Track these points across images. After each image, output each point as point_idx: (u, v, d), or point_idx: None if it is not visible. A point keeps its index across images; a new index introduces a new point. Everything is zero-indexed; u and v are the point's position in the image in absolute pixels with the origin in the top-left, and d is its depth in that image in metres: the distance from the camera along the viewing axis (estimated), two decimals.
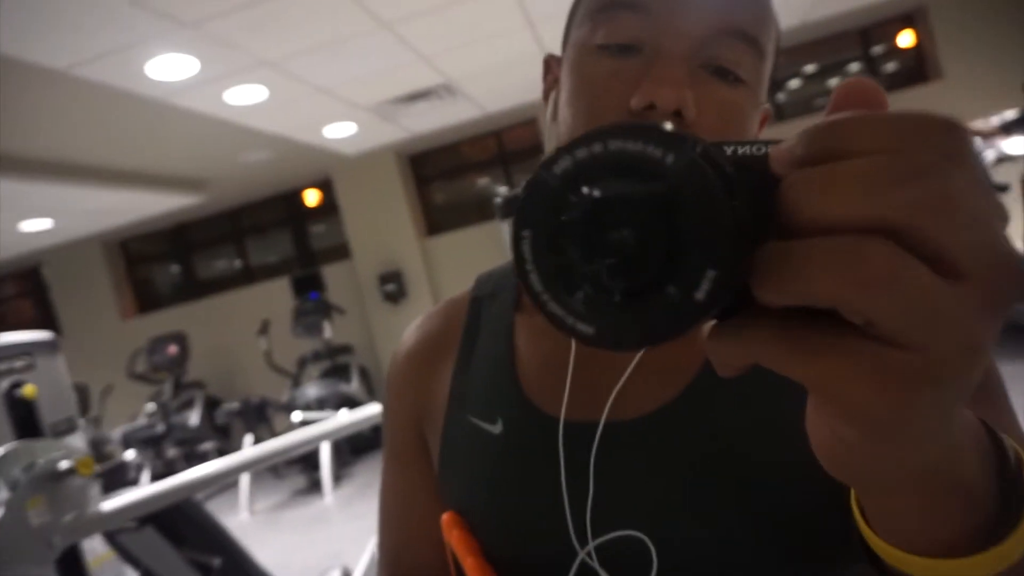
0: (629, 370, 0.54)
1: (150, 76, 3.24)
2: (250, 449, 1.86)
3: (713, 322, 0.24)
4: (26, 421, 2.27)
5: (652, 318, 0.21)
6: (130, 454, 2.57)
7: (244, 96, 3.83)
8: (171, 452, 5.89)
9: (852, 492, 0.30)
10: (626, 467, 0.51)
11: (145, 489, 1.75)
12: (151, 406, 5.92)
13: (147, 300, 7.38)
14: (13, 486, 1.47)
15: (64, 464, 1.53)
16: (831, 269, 0.20)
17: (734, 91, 0.49)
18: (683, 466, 0.49)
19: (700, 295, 0.21)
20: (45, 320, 7.05)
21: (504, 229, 5.18)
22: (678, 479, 0.49)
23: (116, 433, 5.49)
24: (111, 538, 1.98)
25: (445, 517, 0.58)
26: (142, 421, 5.76)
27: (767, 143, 0.23)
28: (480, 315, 0.66)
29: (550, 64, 0.61)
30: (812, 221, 0.21)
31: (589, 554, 0.50)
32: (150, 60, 3.08)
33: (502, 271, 0.69)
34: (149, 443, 5.62)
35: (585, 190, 0.21)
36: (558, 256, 0.22)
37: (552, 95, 0.58)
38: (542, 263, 0.22)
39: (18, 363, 2.37)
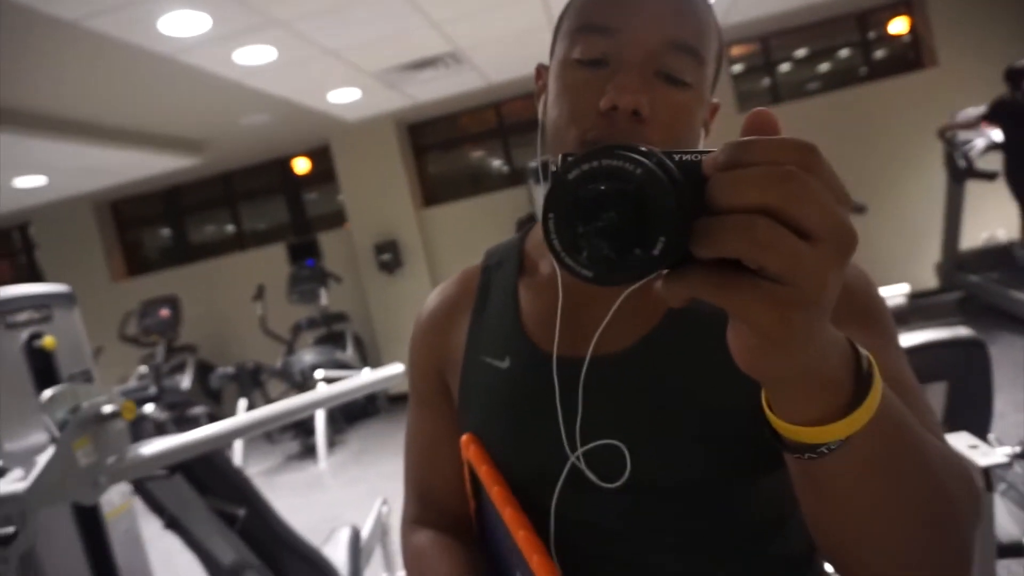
0: (608, 316, 0.68)
1: (162, 31, 3.20)
2: (285, 401, 1.89)
3: (666, 271, 0.36)
4: (45, 372, 2.29)
5: (627, 266, 0.34)
6: (149, 408, 2.59)
7: (253, 56, 3.79)
8: (161, 415, 5.88)
9: (763, 392, 0.42)
10: (607, 391, 0.66)
11: (179, 438, 1.78)
12: (143, 369, 5.90)
13: (138, 263, 7.30)
14: (61, 426, 1.50)
15: (108, 408, 1.56)
16: (737, 234, 0.32)
17: (681, 93, 0.62)
18: (649, 390, 0.65)
19: (656, 252, 0.34)
20: (31, 280, 6.95)
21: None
22: (646, 400, 0.65)
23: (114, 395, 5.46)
24: (139, 485, 2.01)
25: (464, 438, 0.73)
26: (133, 383, 5.74)
27: (703, 153, 0.35)
28: (490, 280, 0.81)
29: (540, 72, 0.75)
30: (726, 205, 0.33)
31: (578, 458, 0.65)
32: (163, 15, 3.04)
33: (506, 245, 0.84)
34: (140, 405, 5.59)
35: (588, 188, 0.34)
36: (571, 228, 0.35)
37: (543, 97, 0.73)
38: (561, 233, 0.35)
39: (36, 314, 2.38)
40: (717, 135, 0.36)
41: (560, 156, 0.37)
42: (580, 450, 0.65)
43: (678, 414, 0.63)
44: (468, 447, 0.72)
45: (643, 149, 0.35)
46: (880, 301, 0.65)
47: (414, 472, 0.83)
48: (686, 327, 0.66)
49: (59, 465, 1.43)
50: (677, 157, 0.35)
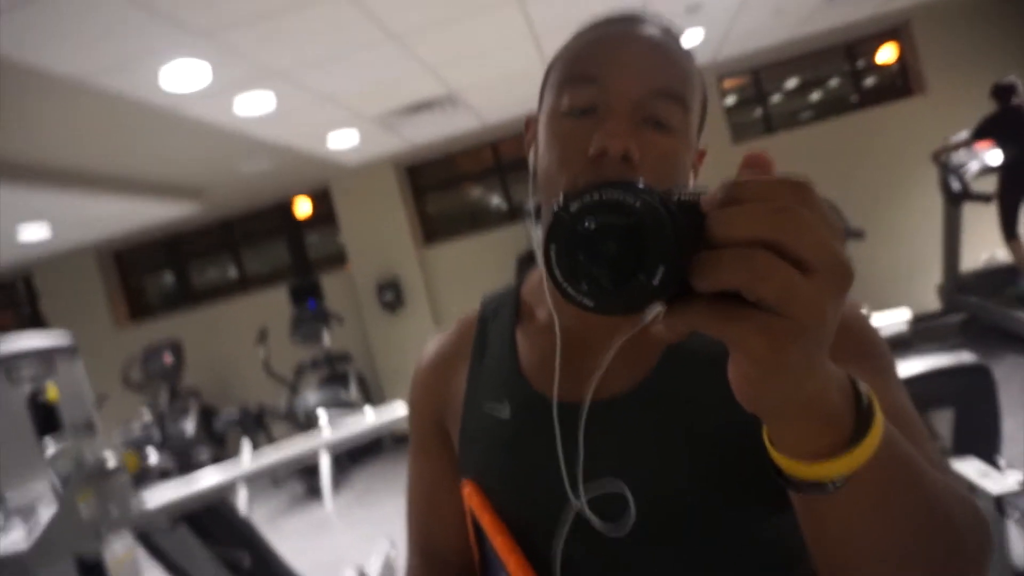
0: (608, 359, 0.69)
1: (163, 87, 3.27)
2: (292, 445, 1.89)
3: (666, 305, 0.37)
4: (48, 422, 2.29)
5: (627, 296, 0.35)
6: (153, 458, 2.57)
7: (252, 104, 3.86)
8: (166, 460, 5.84)
9: (764, 428, 0.43)
10: (608, 436, 0.66)
11: (183, 488, 1.78)
12: (146, 414, 5.88)
13: (141, 308, 7.33)
14: (65, 481, 1.49)
15: (112, 461, 1.56)
16: (736, 266, 0.33)
17: (667, 138, 0.64)
18: (651, 432, 0.65)
19: (656, 281, 0.35)
20: (35, 328, 6.96)
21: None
22: (648, 443, 0.65)
23: (112, 441, 5.44)
24: (143, 536, 1.99)
25: (466, 485, 0.73)
26: (137, 429, 5.71)
27: (701, 192, 0.37)
28: (487, 328, 0.82)
29: (529, 124, 0.77)
30: (725, 238, 0.34)
31: (582, 507, 0.65)
32: (163, 67, 3.10)
33: (501, 293, 0.85)
34: (143, 451, 5.56)
35: (588, 221, 0.36)
36: (572, 260, 0.36)
37: (532, 147, 0.74)
38: (562, 264, 0.36)
39: (39, 366, 2.39)
40: (713, 167, 0.38)
41: (562, 194, 0.37)
42: (584, 497, 0.65)
43: (681, 455, 0.63)
44: (470, 496, 0.72)
45: (641, 185, 0.36)
46: (876, 335, 0.66)
47: (415, 522, 0.83)
48: (684, 368, 0.67)
49: (62, 520, 1.43)
50: (676, 196, 0.37)
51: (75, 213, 5.11)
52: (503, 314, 0.81)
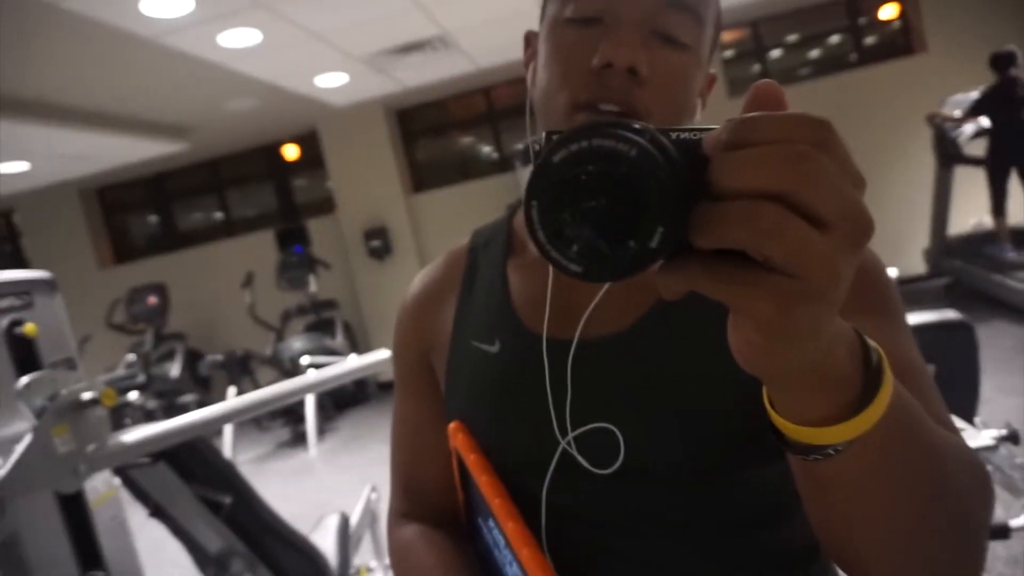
0: (597, 298, 0.66)
1: (144, 12, 3.14)
2: (273, 387, 1.87)
3: (662, 262, 0.33)
4: (27, 359, 2.25)
5: (620, 260, 0.31)
6: (134, 395, 2.56)
7: (238, 39, 3.74)
8: (151, 403, 5.85)
9: (764, 388, 0.39)
10: (598, 375, 0.63)
11: (161, 425, 1.76)
12: (131, 357, 5.86)
13: (125, 250, 7.24)
14: (39, 413, 1.47)
15: (88, 394, 1.53)
16: (740, 222, 0.29)
17: (680, 54, 0.59)
18: (642, 374, 0.62)
19: (653, 244, 0.30)
20: (16, 267, 6.87)
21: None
22: (639, 384, 0.62)
23: (96, 382, 5.43)
24: (122, 473, 1.99)
25: (451, 425, 0.70)
26: (122, 371, 5.70)
27: (702, 130, 0.32)
28: (477, 260, 0.78)
29: (529, 39, 0.71)
30: (730, 188, 0.29)
31: (569, 443, 0.62)
32: None
33: (493, 225, 0.81)
34: (127, 393, 5.55)
35: (576, 172, 0.31)
36: (557, 218, 0.31)
37: (531, 65, 0.69)
38: (546, 223, 0.31)
39: (17, 301, 2.34)
40: (708, 119, 0.33)
41: (544, 134, 0.32)
42: (571, 435, 0.62)
43: (672, 400, 0.61)
44: (455, 435, 0.69)
45: (636, 126, 0.31)
46: (888, 280, 0.61)
47: (400, 462, 0.80)
48: (682, 310, 0.62)
49: (37, 452, 1.41)
50: (674, 135, 0.32)
51: (54, 147, 4.99)
52: (494, 247, 0.77)
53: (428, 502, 0.78)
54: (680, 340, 0.62)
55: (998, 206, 4.89)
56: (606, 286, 0.66)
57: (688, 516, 0.61)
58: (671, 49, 0.59)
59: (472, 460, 0.66)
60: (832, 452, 0.38)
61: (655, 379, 0.62)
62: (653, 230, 0.30)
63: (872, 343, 0.38)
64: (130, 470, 1.95)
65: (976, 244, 5.26)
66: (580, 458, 0.62)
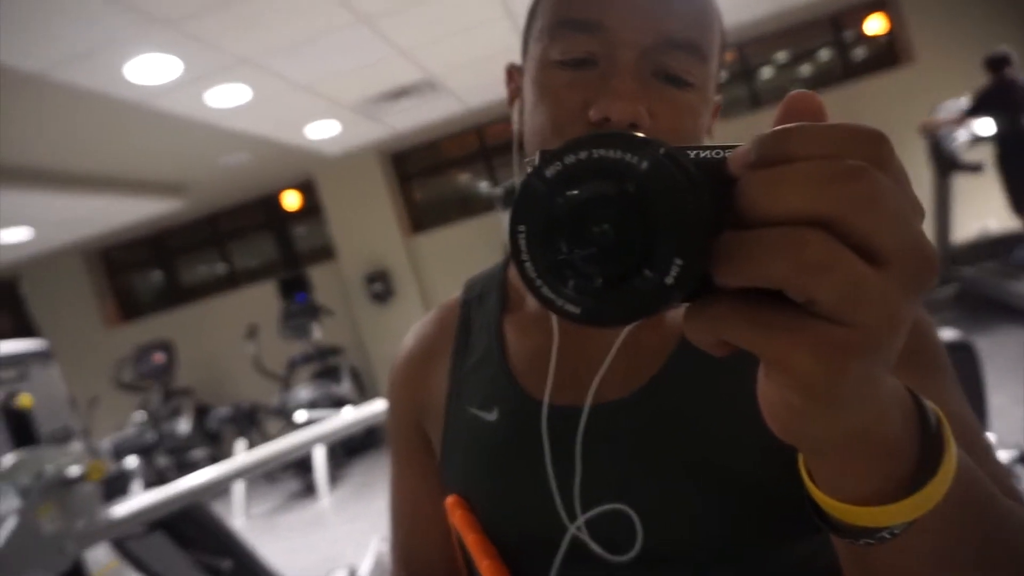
0: (610, 358, 0.58)
1: (128, 78, 3.19)
2: (266, 446, 1.85)
3: (687, 306, 0.27)
4: (22, 431, 2.24)
5: (629, 300, 0.25)
6: (132, 461, 2.53)
7: (226, 97, 3.79)
8: (162, 461, 5.82)
9: (800, 456, 0.33)
10: (609, 447, 0.56)
11: (155, 494, 1.74)
12: (140, 415, 5.85)
13: (130, 308, 7.28)
14: (24, 494, 1.45)
15: (75, 470, 1.51)
16: (778, 254, 0.24)
17: (684, 94, 0.54)
18: (660, 442, 0.54)
19: (669, 280, 0.25)
20: (21, 334, 6.92)
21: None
22: (656, 455, 0.54)
23: (106, 443, 5.41)
24: (119, 545, 1.96)
25: (449, 500, 0.63)
26: (132, 430, 5.69)
27: (725, 147, 0.27)
28: (470, 316, 0.71)
29: (512, 73, 0.65)
30: (763, 214, 0.24)
31: (579, 528, 0.55)
32: (129, 61, 3.03)
33: (487, 275, 0.74)
34: (140, 452, 5.55)
35: (571, 191, 0.25)
36: (549, 247, 0.25)
37: (517, 103, 0.63)
38: (536, 253, 0.26)
39: (12, 373, 2.34)
40: None
41: (539, 152, 0.27)
42: (581, 518, 0.55)
43: (692, 472, 0.53)
44: (453, 511, 0.62)
45: (644, 138, 0.25)
46: (932, 327, 0.53)
47: (398, 535, 0.74)
48: (701, 366, 0.55)
49: (22, 535, 1.39)
50: (692, 153, 0.27)
51: (55, 214, 5.05)
52: (489, 301, 0.71)
53: None
54: (700, 399, 0.55)
55: (1020, 204, 4.76)
56: (618, 343, 0.59)
57: None
58: (675, 90, 0.53)
59: (472, 540, 0.60)
60: (887, 536, 0.31)
61: (672, 448, 0.54)
62: (670, 262, 0.24)
63: (930, 404, 0.32)
64: (125, 542, 1.93)
65: (983, 250, 5.21)
66: (593, 544, 0.55)
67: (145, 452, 5.60)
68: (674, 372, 0.56)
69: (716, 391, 0.54)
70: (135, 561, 2.01)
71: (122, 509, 1.66)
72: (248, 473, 1.85)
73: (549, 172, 0.25)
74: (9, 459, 1.49)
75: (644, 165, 0.25)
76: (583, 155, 0.25)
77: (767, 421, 0.29)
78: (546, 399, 0.60)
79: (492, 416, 0.63)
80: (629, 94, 0.51)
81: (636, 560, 0.53)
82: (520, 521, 0.59)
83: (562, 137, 0.53)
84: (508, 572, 0.58)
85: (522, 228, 0.26)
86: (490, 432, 0.62)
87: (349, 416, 2.27)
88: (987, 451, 0.48)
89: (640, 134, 0.26)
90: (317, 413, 4.65)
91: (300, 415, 4.57)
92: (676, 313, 0.54)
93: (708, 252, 0.25)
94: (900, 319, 0.25)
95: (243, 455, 1.89)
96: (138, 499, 1.74)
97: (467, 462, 0.64)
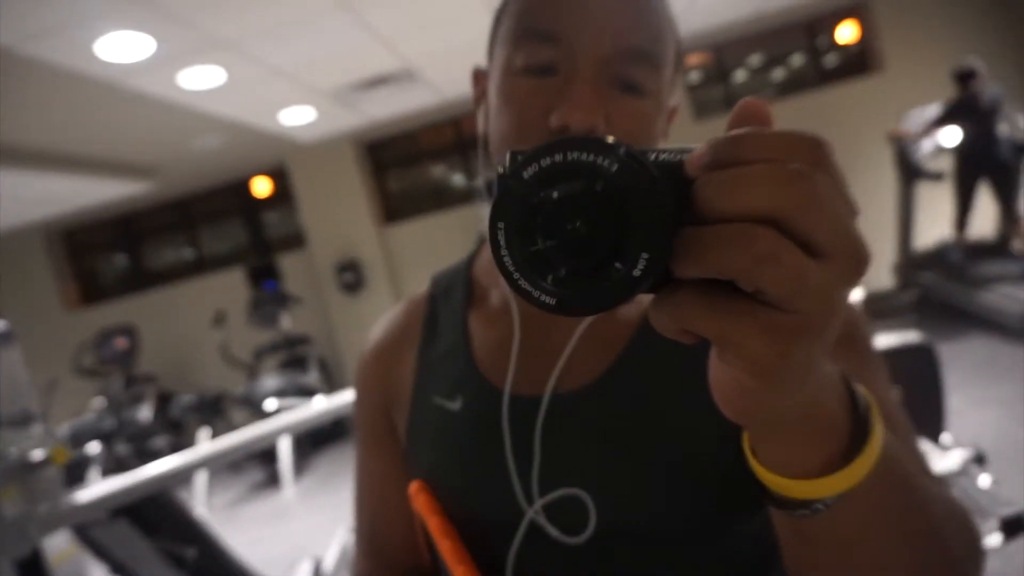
0: (568, 349, 0.62)
1: (99, 56, 3.11)
2: (234, 434, 1.82)
3: (647, 297, 0.29)
4: None
5: (600, 290, 0.27)
6: (94, 447, 2.46)
7: (199, 78, 3.72)
8: (121, 449, 5.70)
9: (744, 436, 0.37)
10: (567, 433, 0.60)
11: (119, 480, 1.71)
12: (99, 401, 5.72)
13: (93, 291, 7.11)
14: None
15: (38, 454, 1.48)
16: (731, 248, 0.26)
17: (640, 102, 0.57)
18: (614, 429, 0.58)
19: (637, 272, 0.27)
20: None
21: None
22: (610, 441, 0.58)
23: (63, 429, 5.28)
24: (80, 531, 1.92)
25: (413, 485, 0.66)
26: (90, 416, 5.56)
27: (683, 150, 0.29)
28: (437, 310, 0.74)
29: (478, 77, 0.69)
30: (718, 212, 0.27)
31: (537, 512, 0.59)
32: (100, 38, 2.96)
33: (454, 270, 0.78)
34: (98, 439, 5.42)
35: (547, 191, 0.27)
36: (527, 242, 0.27)
37: (482, 106, 0.67)
38: (513, 248, 0.28)
39: None
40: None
41: (509, 153, 0.29)
42: (538, 503, 0.58)
43: (645, 455, 0.57)
44: (417, 496, 0.65)
45: (612, 141, 0.28)
46: (861, 317, 0.57)
47: (363, 521, 0.76)
48: (654, 356, 0.59)
49: None
50: (653, 156, 0.29)
51: (18, 191, 4.90)
52: (454, 296, 0.74)
53: (393, 562, 0.74)
54: (653, 387, 0.59)
55: (962, 219, 4.97)
56: (576, 336, 0.62)
57: None
58: (632, 96, 0.57)
59: (434, 523, 0.63)
60: (821, 507, 0.35)
61: (625, 433, 0.58)
62: (637, 256, 0.27)
63: (861, 389, 0.36)
64: (88, 528, 1.89)
65: (942, 257, 5.36)
66: (549, 527, 0.58)
67: (104, 439, 5.48)
68: (629, 362, 0.60)
69: (669, 379, 0.58)
70: (96, 548, 1.98)
71: (86, 495, 1.63)
72: (216, 461, 1.82)
73: (526, 173, 0.27)
74: None
75: (613, 167, 0.27)
76: (558, 157, 0.27)
77: (719, 403, 0.32)
78: (507, 389, 0.63)
79: (456, 405, 0.65)
80: (588, 103, 0.54)
81: (590, 541, 0.56)
82: (481, 505, 0.62)
83: (525, 142, 0.56)
84: (468, 554, 0.60)
85: (501, 224, 0.28)
86: (454, 420, 0.65)
87: (320, 406, 2.25)
88: (906, 432, 0.52)
89: (608, 138, 0.28)
90: (287, 402, 4.59)
91: (270, 403, 4.51)
92: (631, 307, 0.61)
93: (671, 246, 0.27)
94: (836, 306, 0.28)
95: (211, 443, 1.87)
96: (102, 485, 1.70)
97: (431, 449, 0.66)
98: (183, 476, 1.86)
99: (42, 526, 1.48)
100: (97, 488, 1.67)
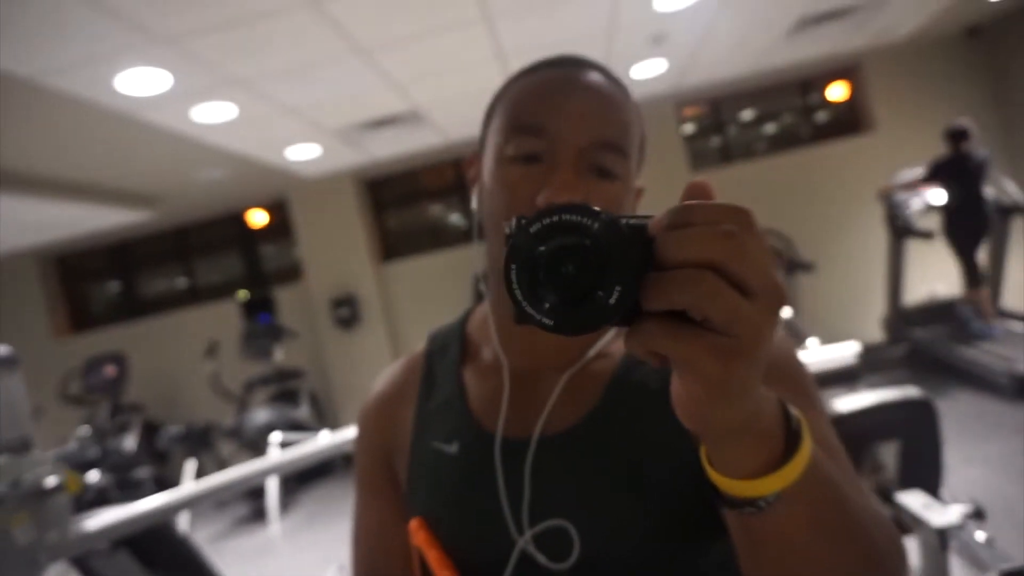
0: (554, 397, 0.72)
1: (119, 89, 3.18)
2: (244, 467, 1.82)
3: (624, 331, 0.38)
4: None
5: (585, 315, 0.36)
6: (93, 475, 2.43)
7: (212, 114, 3.78)
8: (103, 479, 5.59)
9: (702, 448, 0.45)
10: (554, 471, 0.68)
11: (126, 509, 1.70)
12: (84, 429, 5.64)
13: (83, 318, 7.04)
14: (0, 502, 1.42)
15: (52, 480, 1.48)
16: (683, 288, 0.35)
17: (611, 185, 0.67)
18: (595, 466, 0.67)
19: (612, 301, 0.36)
20: None
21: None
22: (592, 476, 0.66)
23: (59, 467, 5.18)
24: (80, 561, 1.90)
25: (412, 523, 0.73)
26: (74, 445, 5.46)
27: (647, 217, 0.38)
28: (433, 365, 0.83)
29: (472, 160, 0.80)
30: (673, 261, 0.36)
31: (527, 542, 0.66)
32: (121, 72, 3.02)
33: (448, 329, 0.87)
34: (80, 468, 5.32)
35: (548, 243, 0.37)
36: (532, 279, 0.37)
37: (476, 186, 0.77)
38: (522, 284, 0.37)
39: None
40: (673, 193, 0.39)
41: (515, 219, 0.38)
42: (528, 533, 0.66)
43: (622, 487, 0.65)
44: (417, 532, 0.72)
45: (596, 208, 0.37)
46: (803, 367, 0.69)
47: (362, 562, 0.82)
48: (626, 403, 0.69)
49: None
50: (624, 220, 0.38)
51: (17, 217, 4.90)
52: (450, 352, 0.83)
53: None
54: (627, 428, 0.68)
55: (973, 278, 4.94)
56: (559, 386, 0.72)
57: None
58: (604, 181, 0.67)
59: (433, 556, 0.69)
60: (763, 504, 0.44)
61: (605, 470, 0.66)
62: (612, 289, 0.36)
63: (792, 409, 0.45)
64: (88, 559, 1.87)
65: (932, 313, 5.45)
66: (538, 555, 0.65)
67: (86, 469, 5.37)
68: (604, 409, 0.69)
69: (638, 420, 0.68)
70: None
71: (93, 523, 1.62)
72: (223, 492, 1.82)
73: (532, 229, 0.37)
74: None
75: (596, 226, 0.36)
76: (556, 218, 0.37)
77: (678, 413, 0.40)
78: (499, 432, 0.71)
79: (453, 449, 0.74)
80: (569, 185, 0.64)
81: (575, 567, 0.64)
82: (476, 538, 0.69)
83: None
84: None
85: (514, 266, 0.37)
86: (451, 462, 0.73)
87: (324, 440, 2.26)
88: (843, 460, 0.61)
89: (593, 207, 0.37)
90: (294, 436, 4.56)
91: (275, 437, 4.51)
92: (605, 362, 0.72)
93: (637, 284, 0.36)
94: (764, 333, 0.36)
95: (218, 474, 1.87)
96: (107, 514, 1.70)
97: (430, 489, 0.74)
98: (186, 506, 1.85)
99: (51, 553, 1.47)
100: (103, 517, 1.67)
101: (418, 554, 0.73)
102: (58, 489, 1.47)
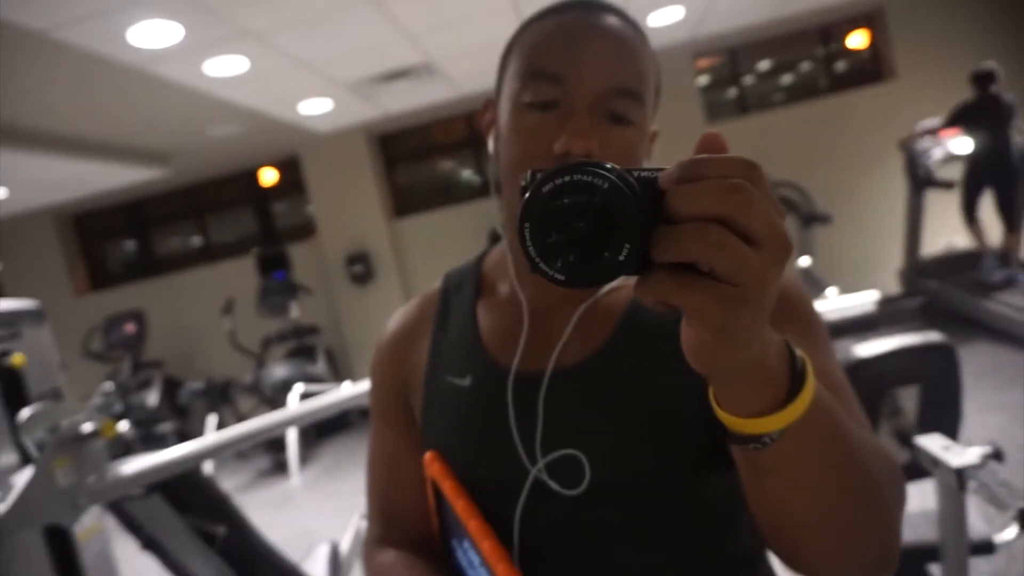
0: (568, 331, 0.73)
1: (131, 42, 3.15)
2: (266, 417, 1.86)
3: (635, 279, 0.40)
4: (13, 390, 2.22)
5: (596, 271, 0.38)
6: (123, 426, 2.50)
7: (224, 67, 3.75)
8: (127, 433, 5.73)
9: (710, 388, 0.47)
10: (565, 403, 0.70)
11: (160, 455, 1.75)
12: (108, 385, 5.76)
13: (102, 277, 7.13)
14: (40, 447, 1.46)
15: (88, 426, 1.52)
16: (692, 240, 0.36)
17: (626, 130, 0.68)
18: (604, 398, 0.69)
19: (622, 257, 0.37)
20: None
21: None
22: (602, 408, 0.68)
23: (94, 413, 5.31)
24: (115, 506, 1.96)
25: (427, 455, 0.76)
26: (98, 400, 5.59)
27: (657, 170, 0.39)
28: (449, 301, 0.85)
29: (488, 106, 0.80)
30: (682, 214, 0.37)
31: (540, 471, 0.69)
32: (133, 25, 2.99)
33: (463, 268, 0.88)
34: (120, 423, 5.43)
35: (560, 201, 0.38)
36: (545, 237, 0.38)
37: (492, 132, 0.77)
38: (536, 241, 0.38)
39: (5, 331, 2.31)
40: (688, 145, 0.40)
41: (530, 172, 0.39)
42: (541, 462, 0.68)
43: (631, 419, 0.67)
44: (432, 464, 0.74)
45: (607, 166, 0.38)
46: (811, 306, 0.70)
47: (377, 492, 0.85)
48: (637, 338, 0.71)
49: (38, 486, 1.39)
50: (636, 174, 0.39)
51: (34, 174, 4.93)
52: (465, 288, 0.84)
53: (405, 528, 0.82)
54: (636, 363, 0.70)
55: (969, 214, 4.95)
56: (573, 321, 0.74)
57: (651, 525, 0.67)
58: (620, 127, 0.67)
59: (448, 486, 0.72)
60: (768, 440, 0.45)
61: (616, 400, 0.68)
62: (622, 246, 0.37)
63: (798, 350, 0.46)
64: (123, 503, 1.93)
65: (948, 264, 5.40)
66: (551, 482, 0.68)
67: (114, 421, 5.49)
68: (616, 343, 0.71)
69: (647, 357, 0.69)
70: (129, 523, 2.01)
71: (127, 468, 1.67)
72: (251, 440, 1.86)
73: (546, 188, 0.38)
74: (26, 412, 1.50)
75: (605, 185, 0.37)
76: (568, 178, 0.38)
77: (688, 357, 0.42)
78: (515, 365, 0.73)
79: (466, 382, 0.75)
80: (584, 132, 0.65)
81: (585, 493, 0.67)
82: (490, 469, 0.72)
83: (534, 165, 0.64)
84: (479, 511, 0.70)
85: (527, 224, 0.38)
86: (464, 395, 0.75)
87: (349, 390, 2.29)
88: (849, 397, 0.64)
89: (606, 164, 0.38)
90: (312, 387, 4.65)
91: (299, 387, 4.61)
92: (617, 298, 0.74)
93: (647, 240, 0.38)
94: (769, 282, 0.37)
95: (244, 424, 1.91)
96: (142, 459, 1.75)
97: (444, 422, 0.76)
98: (211, 455, 1.90)
99: (90, 496, 1.52)
100: (137, 463, 1.72)
101: (432, 485, 0.76)
102: (95, 435, 1.51)
